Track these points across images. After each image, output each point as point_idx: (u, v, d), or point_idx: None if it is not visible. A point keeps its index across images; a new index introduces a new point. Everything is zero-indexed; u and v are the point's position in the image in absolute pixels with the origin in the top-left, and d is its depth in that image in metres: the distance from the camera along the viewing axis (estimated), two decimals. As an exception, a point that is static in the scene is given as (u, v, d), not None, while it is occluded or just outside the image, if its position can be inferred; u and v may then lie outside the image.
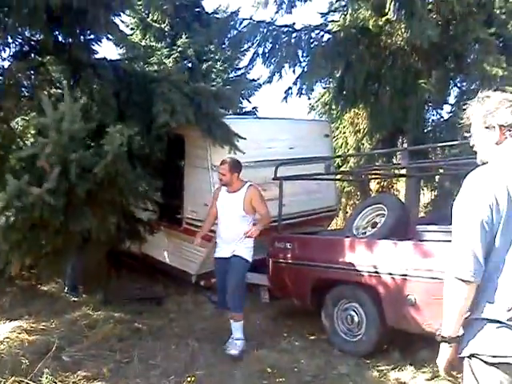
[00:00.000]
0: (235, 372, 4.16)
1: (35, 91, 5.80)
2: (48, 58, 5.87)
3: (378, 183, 11.56)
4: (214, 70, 11.60)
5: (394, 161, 9.22)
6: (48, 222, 4.09)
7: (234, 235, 4.80)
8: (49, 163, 3.92)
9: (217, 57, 11.68)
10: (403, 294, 4.22)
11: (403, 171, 7.57)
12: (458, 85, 8.13)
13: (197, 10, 11.87)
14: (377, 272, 4.44)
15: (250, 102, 12.66)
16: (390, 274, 4.32)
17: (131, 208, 5.57)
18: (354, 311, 4.73)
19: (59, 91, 5.89)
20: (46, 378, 3.72)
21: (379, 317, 4.50)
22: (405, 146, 8.60)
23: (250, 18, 8.02)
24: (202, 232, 5.22)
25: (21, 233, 4.07)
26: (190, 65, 11.39)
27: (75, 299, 6.11)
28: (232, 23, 8.39)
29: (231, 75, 12.56)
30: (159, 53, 10.94)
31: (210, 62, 11.53)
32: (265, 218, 4.86)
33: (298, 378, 4.08)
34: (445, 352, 1.97)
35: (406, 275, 4.19)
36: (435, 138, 8.03)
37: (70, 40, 5.72)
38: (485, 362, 1.84)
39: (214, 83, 10.86)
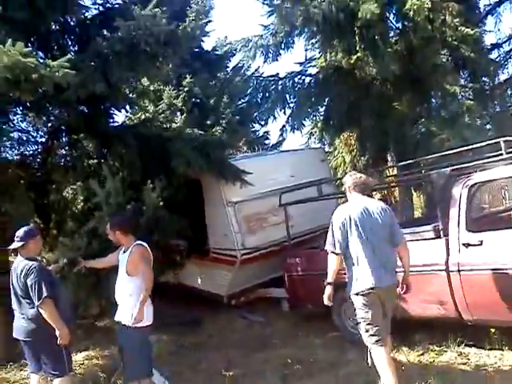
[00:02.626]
0: (263, 368, 4.93)
1: (77, 164, 6.73)
2: (81, 134, 6.75)
3: (380, 193, 11.94)
4: (222, 103, 11.09)
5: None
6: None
7: (121, 298, 4.22)
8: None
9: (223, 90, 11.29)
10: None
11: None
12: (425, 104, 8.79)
13: (196, 50, 11.24)
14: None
15: (261, 126, 12.41)
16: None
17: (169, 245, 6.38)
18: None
19: (95, 161, 6.83)
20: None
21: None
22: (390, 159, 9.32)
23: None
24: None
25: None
26: (197, 101, 11.11)
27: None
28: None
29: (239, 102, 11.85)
30: (168, 95, 10.53)
31: (215, 97, 11.09)
32: (145, 281, 4.05)
33: (314, 366, 4.79)
34: (328, 290, 3.93)
35: None
36: (418, 149, 8.34)
37: (96, 117, 6.48)
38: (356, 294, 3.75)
39: (224, 115, 10.52)
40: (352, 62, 8.22)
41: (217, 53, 11.35)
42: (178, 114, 11.03)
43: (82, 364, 5.50)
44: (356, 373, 4.41)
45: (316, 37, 8.59)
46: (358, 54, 8.08)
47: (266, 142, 12.97)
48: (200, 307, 7.43)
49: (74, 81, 4.94)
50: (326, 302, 3.97)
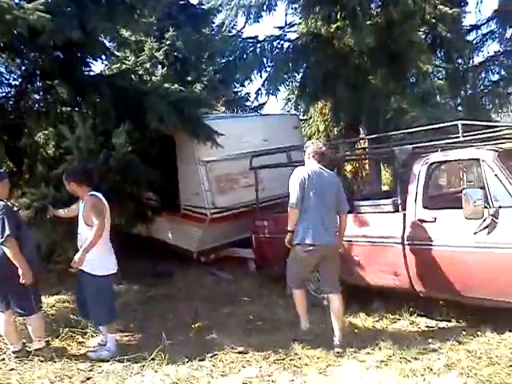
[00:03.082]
0: (228, 321, 5.18)
1: (50, 109, 6.69)
2: (56, 81, 6.66)
3: (351, 165, 11.99)
4: (204, 59, 11.35)
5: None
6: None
7: (80, 245, 4.39)
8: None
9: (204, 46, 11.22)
10: (350, 255, 5.16)
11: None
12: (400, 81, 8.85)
13: (182, 3, 11.30)
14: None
15: (244, 87, 12.47)
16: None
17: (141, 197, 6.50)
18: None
19: (69, 109, 6.81)
20: (90, 329, 4.81)
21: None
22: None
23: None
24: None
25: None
26: (180, 56, 11.03)
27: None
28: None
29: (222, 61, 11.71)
30: (149, 46, 10.67)
31: (198, 53, 11.11)
32: (95, 230, 4.25)
33: (275, 324, 5.02)
34: (288, 236, 4.40)
35: (350, 241, 5.07)
36: (389, 125, 8.39)
37: (72, 64, 6.42)
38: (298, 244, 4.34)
39: (206, 73, 10.92)
40: (331, 30, 8.28)
41: (202, 7, 11.13)
42: (159, 67, 11.00)
43: (53, 306, 5.67)
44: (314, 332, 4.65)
45: (298, 2, 8.53)
46: (338, 24, 8.16)
47: (246, 104, 12.73)
48: (171, 261, 7.61)
49: (49, 25, 4.92)
50: (287, 245, 4.54)
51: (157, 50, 10.81)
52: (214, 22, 11.56)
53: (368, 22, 7.73)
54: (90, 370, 4.10)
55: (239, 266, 7.29)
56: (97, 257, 4.30)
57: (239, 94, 12.76)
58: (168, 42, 10.79)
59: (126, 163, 5.70)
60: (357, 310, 5.13)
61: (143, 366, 4.02)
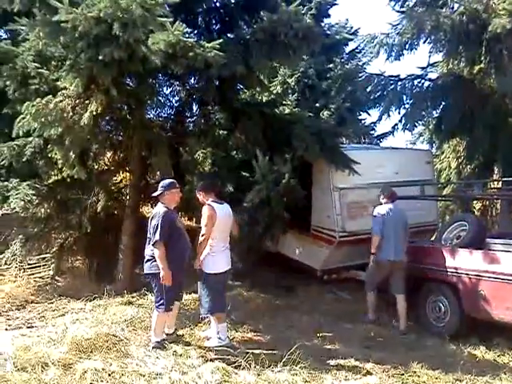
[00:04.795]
0: (349, 335, 5.51)
1: (209, 132, 7.49)
2: (216, 107, 7.51)
3: (480, 202, 11.62)
4: (334, 88, 11.33)
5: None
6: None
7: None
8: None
9: (336, 75, 11.43)
10: (476, 289, 5.31)
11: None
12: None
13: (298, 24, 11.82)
14: (458, 272, 5.59)
15: (369, 115, 12.70)
16: (467, 274, 5.46)
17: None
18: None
19: (225, 132, 7.52)
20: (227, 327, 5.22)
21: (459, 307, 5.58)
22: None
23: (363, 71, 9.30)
24: None
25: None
26: (310, 82, 11.46)
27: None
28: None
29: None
30: (282, 73, 11.18)
31: (329, 81, 11.48)
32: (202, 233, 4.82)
33: (393, 343, 5.31)
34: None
35: (478, 275, 5.29)
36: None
37: (230, 93, 7.19)
38: None
39: (334, 101, 11.14)
40: (474, 72, 8.29)
41: (337, 37, 10.93)
42: (290, 92, 11.39)
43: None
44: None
45: (442, 44, 8.68)
46: (481, 66, 8.14)
47: (371, 132, 12.96)
48: (294, 276, 8.06)
49: (220, 61, 5.51)
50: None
51: (289, 76, 11.29)
52: (344, 51, 11.86)
53: (513, 65, 7.67)
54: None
55: (358, 287, 7.49)
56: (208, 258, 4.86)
57: (363, 122, 12.77)
58: (301, 69, 11.20)
59: (292, 188, 6.45)
60: (476, 343, 5.23)
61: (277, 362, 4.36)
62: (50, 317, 6.08)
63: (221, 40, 5.66)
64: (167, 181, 4.97)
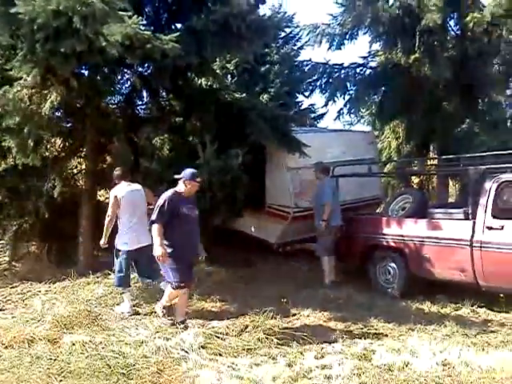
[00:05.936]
0: (310, 300, 5.92)
1: (166, 119, 7.60)
2: (171, 95, 7.62)
3: (418, 177, 12.52)
4: (272, 71, 11.72)
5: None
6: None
7: None
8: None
9: (273, 59, 11.83)
10: (421, 253, 5.95)
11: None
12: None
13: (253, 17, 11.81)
14: (404, 239, 6.20)
15: (306, 98, 12.74)
16: (412, 240, 6.09)
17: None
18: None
19: (180, 119, 7.71)
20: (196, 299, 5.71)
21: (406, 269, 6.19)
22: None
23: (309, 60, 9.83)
24: None
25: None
26: (248, 67, 11.38)
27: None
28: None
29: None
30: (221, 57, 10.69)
31: (267, 66, 11.68)
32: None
33: (350, 304, 5.78)
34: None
35: (422, 241, 5.94)
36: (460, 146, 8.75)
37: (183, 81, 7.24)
38: None
39: (273, 84, 11.36)
40: (410, 61, 8.93)
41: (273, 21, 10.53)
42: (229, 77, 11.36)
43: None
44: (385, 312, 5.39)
45: (380, 35, 9.28)
46: (416, 55, 8.76)
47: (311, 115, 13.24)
48: (252, 251, 8.37)
49: (177, 52, 5.50)
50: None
51: (227, 61, 11.25)
52: (280, 35, 11.76)
53: (444, 55, 8.37)
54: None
55: (312, 258, 7.81)
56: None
57: (300, 104, 13.15)
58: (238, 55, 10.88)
59: (237, 179, 6.77)
60: (422, 299, 5.82)
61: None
62: (17, 299, 6.08)
63: (177, 34, 5.64)
64: (190, 170, 4.96)
